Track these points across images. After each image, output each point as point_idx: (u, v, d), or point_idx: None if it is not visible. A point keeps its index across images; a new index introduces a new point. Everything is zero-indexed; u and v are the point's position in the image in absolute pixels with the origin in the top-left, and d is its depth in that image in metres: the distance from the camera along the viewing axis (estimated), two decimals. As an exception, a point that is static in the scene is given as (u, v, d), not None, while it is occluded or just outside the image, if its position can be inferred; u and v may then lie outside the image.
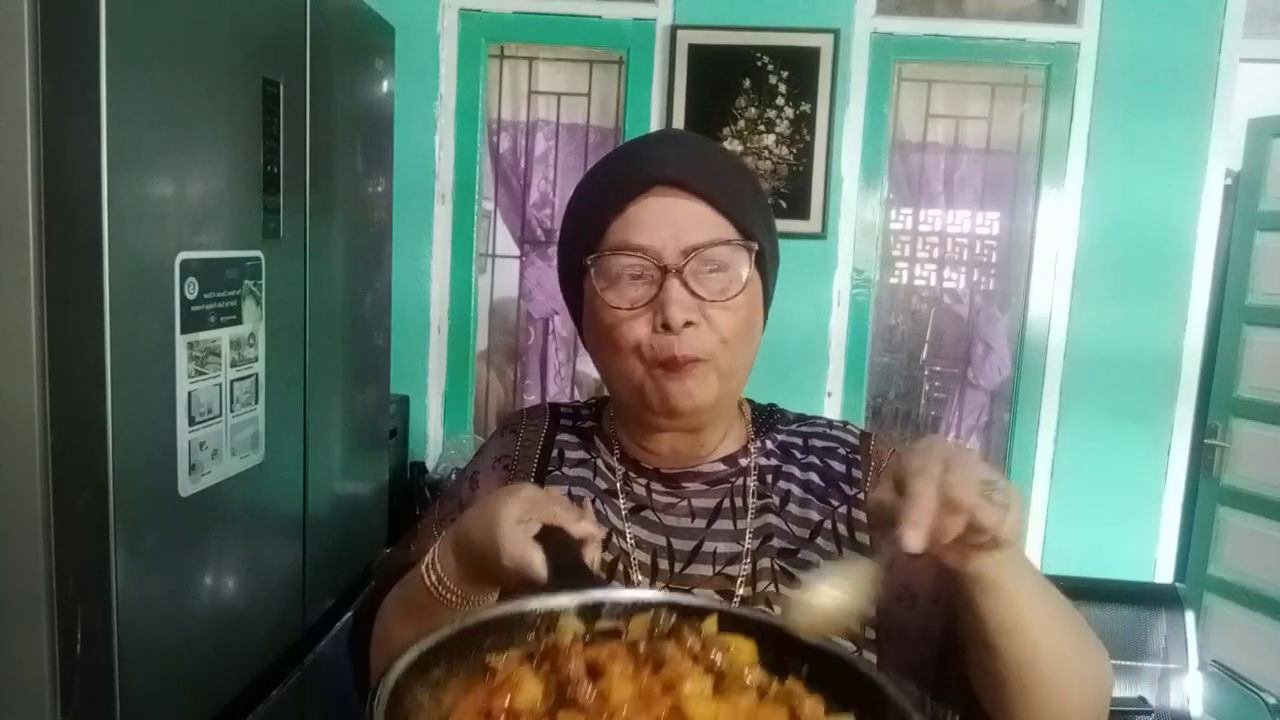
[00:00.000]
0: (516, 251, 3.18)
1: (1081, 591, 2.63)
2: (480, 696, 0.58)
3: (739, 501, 0.88)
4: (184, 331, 1.23)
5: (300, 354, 1.62)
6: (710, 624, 0.64)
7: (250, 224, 1.42)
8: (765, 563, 0.85)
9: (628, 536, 0.88)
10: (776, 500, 0.88)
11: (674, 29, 2.83)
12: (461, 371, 3.10)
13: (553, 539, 0.73)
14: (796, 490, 0.89)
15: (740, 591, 0.83)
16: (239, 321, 1.37)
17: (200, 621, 1.34)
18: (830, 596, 0.63)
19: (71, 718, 1.12)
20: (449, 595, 0.77)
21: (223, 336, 1.33)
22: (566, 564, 0.71)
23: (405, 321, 2.79)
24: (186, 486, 1.26)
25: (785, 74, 2.80)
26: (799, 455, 0.92)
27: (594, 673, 0.59)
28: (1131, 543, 2.88)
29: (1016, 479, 2.95)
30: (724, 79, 2.82)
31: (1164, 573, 2.88)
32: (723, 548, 0.86)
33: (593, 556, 0.76)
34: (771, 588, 0.83)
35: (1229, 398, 2.98)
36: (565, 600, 0.67)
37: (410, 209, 2.83)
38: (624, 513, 0.89)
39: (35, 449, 1.08)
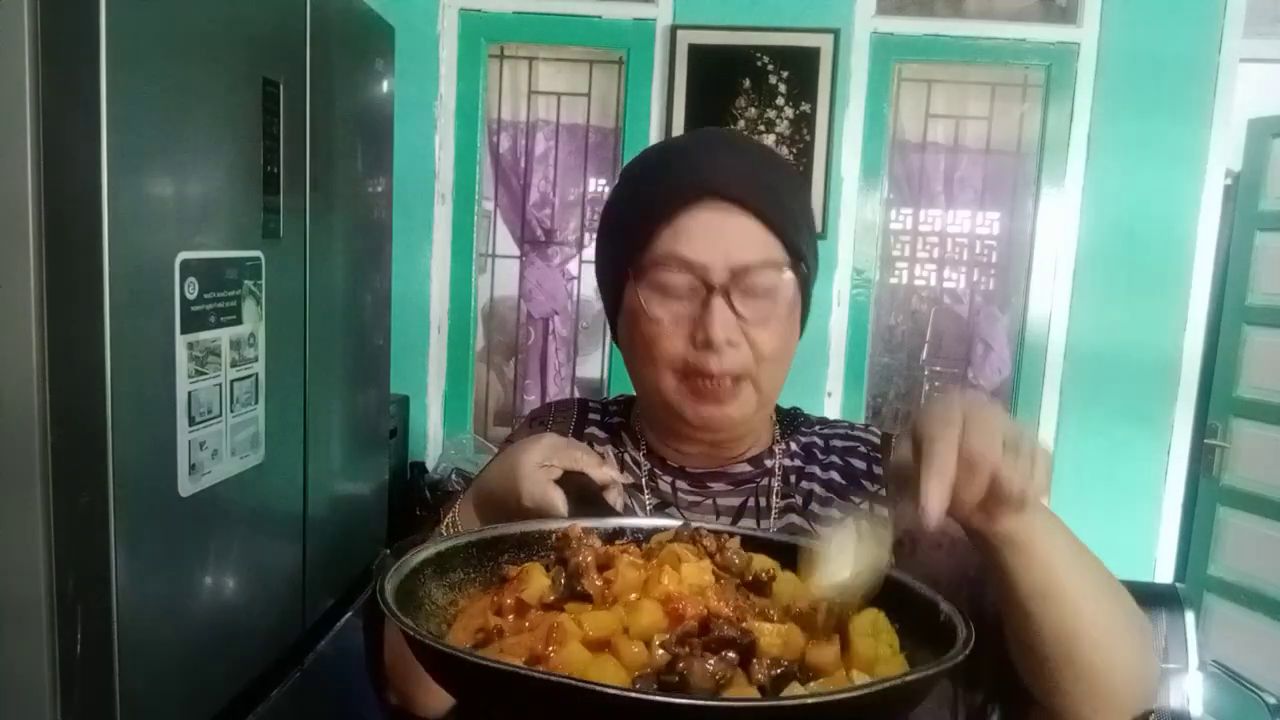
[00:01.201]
0: (516, 251, 3.18)
1: (1081, 591, 2.63)
2: (491, 594, 0.60)
3: (763, 502, 0.89)
4: (184, 331, 1.23)
5: (300, 354, 1.62)
6: (734, 544, 0.66)
7: (250, 224, 1.41)
8: None
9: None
10: (800, 500, 0.89)
11: (674, 29, 2.83)
12: (461, 371, 3.10)
13: (575, 485, 0.73)
14: (819, 490, 0.89)
15: None
16: (239, 321, 1.37)
17: (200, 621, 1.34)
18: (848, 551, 0.61)
19: (72, 718, 1.12)
20: None
21: (223, 336, 1.33)
22: (588, 506, 0.72)
23: (405, 321, 2.80)
24: (186, 486, 1.26)
25: (785, 74, 2.80)
26: (821, 455, 0.92)
27: (605, 568, 0.59)
28: (1131, 543, 2.88)
29: (1016, 479, 2.95)
30: (724, 79, 2.82)
31: (1164, 573, 2.88)
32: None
33: (614, 500, 0.76)
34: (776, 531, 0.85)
35: (1229, 398, 2.98)
36: (587, 523, 0.68)
37: (410, 209, 2.83)
38: (648, 509, 0.89)
39: (35, 449, 1.08)
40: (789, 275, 0.81)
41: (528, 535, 0.67)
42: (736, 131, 0.91)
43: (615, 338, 0.91)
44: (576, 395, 3.25)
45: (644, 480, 0.91)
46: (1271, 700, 2.13)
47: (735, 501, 0.89)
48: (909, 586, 0.62)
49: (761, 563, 0.65)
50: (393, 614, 0.52)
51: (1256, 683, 2.16)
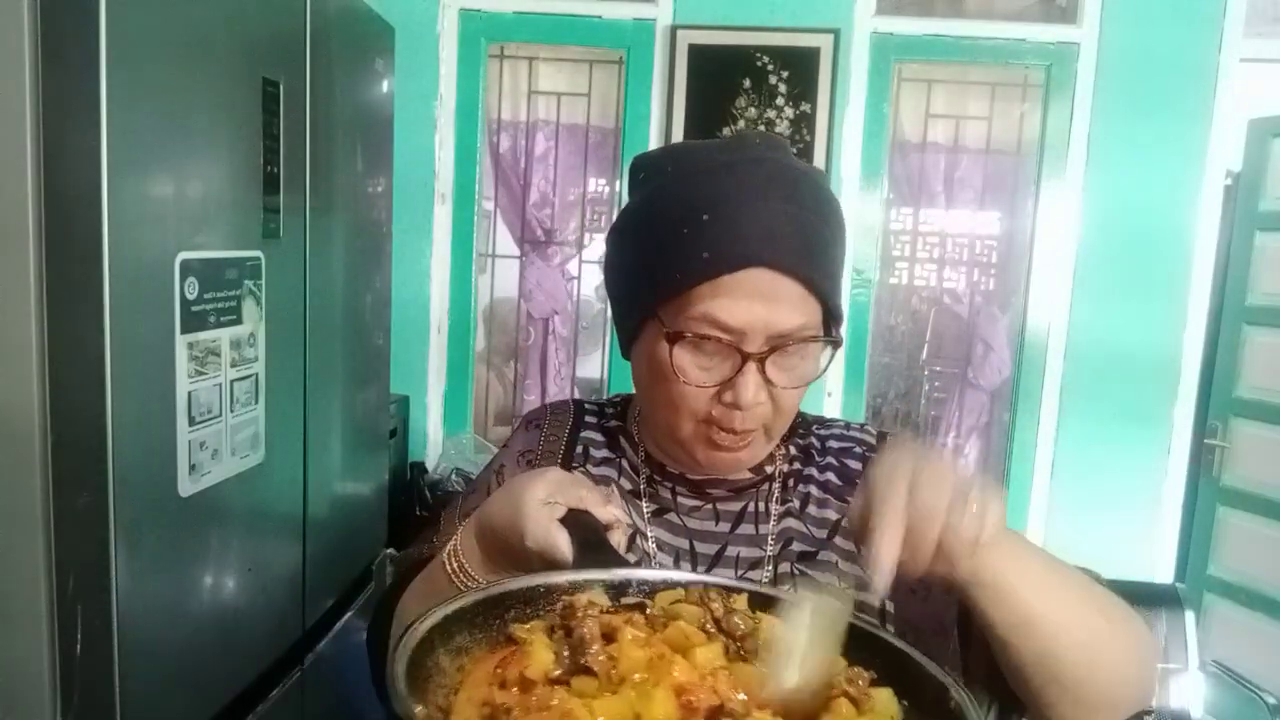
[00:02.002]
0: (516, 251, 3.18)
1: (1081, 591, 2.63)
2: (494, 663, 0.58)
3: (763, 507, 0.88)
4: (184, 331, 1.23)
5: (300, 354, 1.62)
6: (740, 602, 0.65)
7: (250, 224, 1.41)
8: (785, 567, 0.85)
9: (650, 538, 0.87)
10: (797, 504, 0.88)
11: (674, 29, 2.83)
12: (461, 371, 3.10)
13: (578, 523, 0.72)
14: (815, 491, 0.89)
15: None
16: (239, 321, 1.37)
17: (200, 621, 1.34)
18: (799, 645, 0.60)
19: (72, 718, 1.12)
20: (470, 583, 0.76)
21: (223, 336, 1.33)
22: (592, 548, 0.70)
23: (405, 321, 2.80)
24: (186, 486, 1.26)
25: (785, 74, 2.80)
26: (818, 457, 0.92)
27: (610, 639, 0.58)
28: (1131, 543, 2.88)
29: (1016, 479, 2.95)
30: (724, 79, 2.82)
31: (1164, 573, 2.88)
32: (745, 552, 0.86)
33: (618, 541, 0.75)
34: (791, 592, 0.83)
35: (1229, 398, 2.98)
36: (592, 575, 0.66)
37: (410, 209, 2.83)
38: (647, 515, 0.89)
39: (35, 449, 1.08)
40: (824, 343, 0.80)
41: (533, 590, 0.65)
42: (786, 165, 0.81)
43: (625, 353, 0.89)
44: (576, 395, 3.25)
45: (642, 486, 0.91)
46: (1271, 700, 2.13)
47: (735, 507, 0.88)
48: (922, 666, 0.60)
49: (770, 628, 0.63)
50: (404, 708, 0.50)
51: (1256, 683, 2.16)
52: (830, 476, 0.90)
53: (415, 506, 2.72)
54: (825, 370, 0.83)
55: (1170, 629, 1.78)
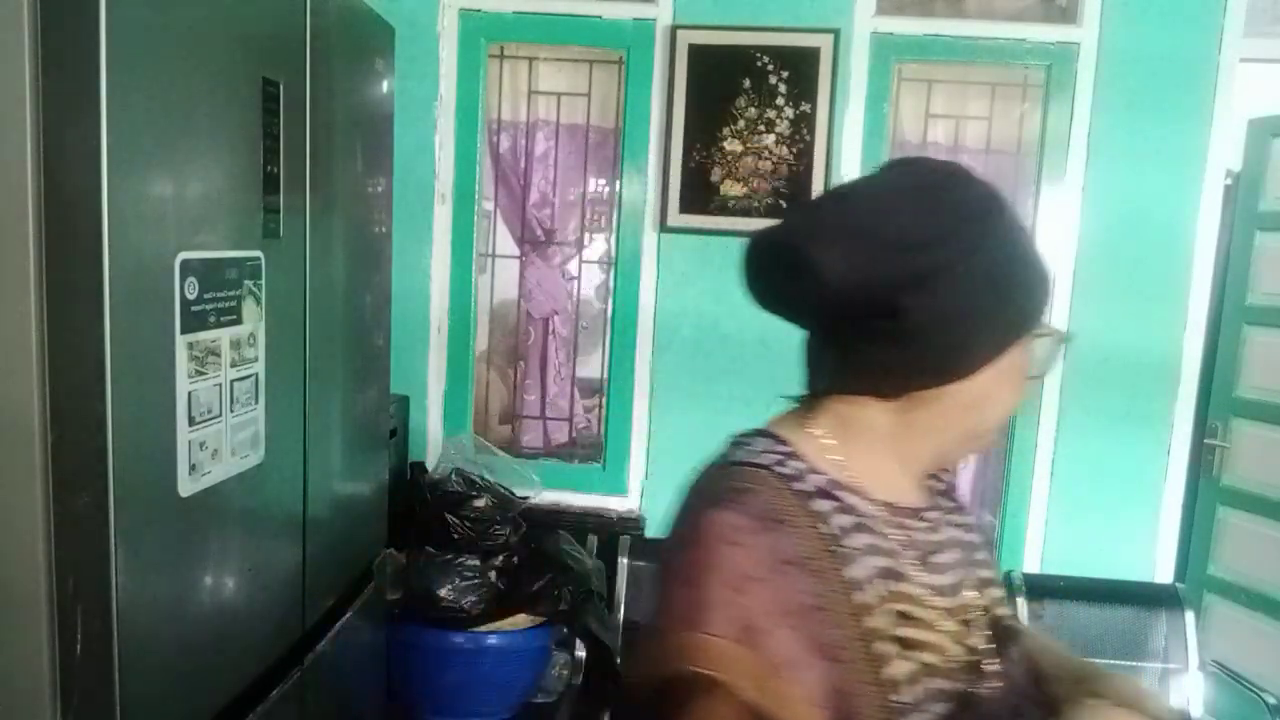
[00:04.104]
0: (516, 251, 3.18)
1: (1081, 591, 2.63)
2: None
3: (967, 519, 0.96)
4: (184, 331, 1.23)
5: (300, 354, 1.62)
6: None
7: (250, 224, 1.41)
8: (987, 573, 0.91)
9: (917, 587, 0.80)
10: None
11: (674, 29, 2.83)
12: (461, 371, 3.10)
13: None
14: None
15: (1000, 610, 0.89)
16: (239, 321, 1.37)
17: (200, 622, 1.34)
18: None
19: (72, 718, 1.12)
20: None
21: (223, 336, 1.33)
22: None
23: (405, 321, 2.80)
24: (186, 486, 1.26)
25: (785, 74, 2.80)
26: None
27: None
28: (1131, 543, 2.88)
29: (1016, 479, 2.95)
30: (724, 79, 2.82)
31: (1164, 573, 2.88)
32: (984, 572, 0.90)
33: None
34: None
35: (1229, 398, 2.98)
36: None
37: (410, 209, 2.83)
38: (905, 563, 0.81)
39: (35, 449, 1.08)
40: None
41: None
42: None
43: (952, 379, 0.81)
44: (576, 396, 3.22)
45: (899, 545, 0.81)
46: (1271, 700, 2.13)
47: (960, 534, 0.90)
48: None
49: None
50: None
51: (1256, 683, 2.16)
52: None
53: (415, 506, 2.72)
54: None
55: (1170, 629, 1.79)
